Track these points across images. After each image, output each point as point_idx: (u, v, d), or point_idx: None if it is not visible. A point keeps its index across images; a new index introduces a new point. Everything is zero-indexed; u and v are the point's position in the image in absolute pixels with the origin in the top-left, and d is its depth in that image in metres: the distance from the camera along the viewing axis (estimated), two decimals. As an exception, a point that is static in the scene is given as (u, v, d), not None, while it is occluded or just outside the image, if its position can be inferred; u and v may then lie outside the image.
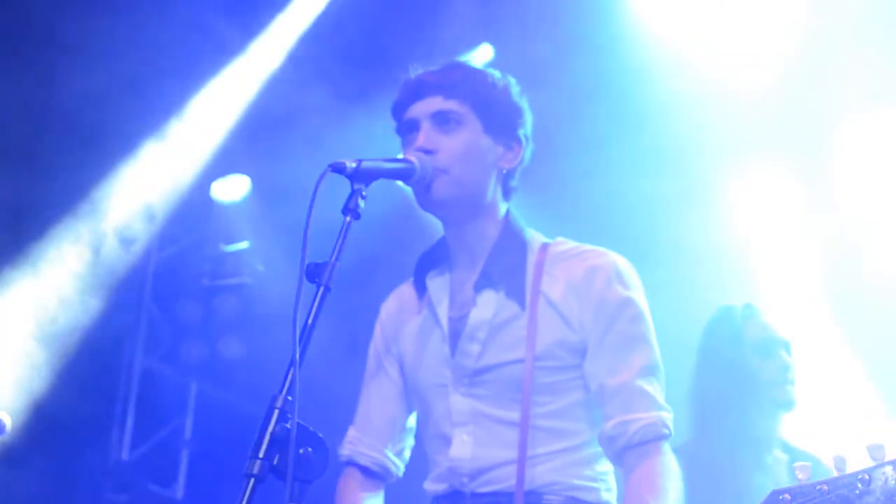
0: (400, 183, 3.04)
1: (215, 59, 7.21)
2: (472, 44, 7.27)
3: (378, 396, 3.51)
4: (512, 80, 3.35)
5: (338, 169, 2.71)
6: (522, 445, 3.01)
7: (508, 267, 3.19)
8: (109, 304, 7.02)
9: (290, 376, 2.46)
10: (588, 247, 3.24)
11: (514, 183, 3.32)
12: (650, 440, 2.88)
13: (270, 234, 7.50)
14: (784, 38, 6.77)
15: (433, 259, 3.41)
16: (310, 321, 2.56)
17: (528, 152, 3.31)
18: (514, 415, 3.05)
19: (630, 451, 2.92)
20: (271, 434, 2.40)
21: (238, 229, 7.75)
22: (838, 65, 6.58)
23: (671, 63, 6.97)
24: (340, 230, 2.71)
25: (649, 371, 2.98)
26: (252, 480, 2.37)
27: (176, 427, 7.92)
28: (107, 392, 7.58)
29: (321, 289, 2.60)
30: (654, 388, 2.96)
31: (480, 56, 7.41)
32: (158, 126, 7.08)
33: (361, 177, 2.75)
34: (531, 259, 3.18)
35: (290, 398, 2.44)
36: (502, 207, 3.30)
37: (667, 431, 2.93)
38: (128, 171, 6.98)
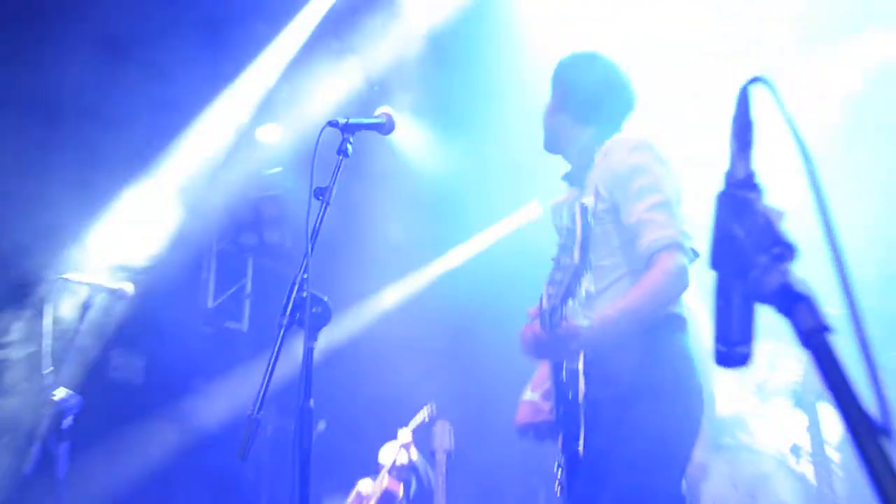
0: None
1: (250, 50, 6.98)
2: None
3: None
4: (570, 56, 3.20)
5: (333, 124, 2.68)
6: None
7: (582, 170, 2.99)
8: (196, 211, 6.93)
9: (305, 261, 2.46)
10: (624, 135, 3.01)
11: (591, 112, 3.03)
12: (652, 253, 2.61)
13: (295, 163, 7.43)
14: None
15: None
16: (318, 225, 2.54)
17: (577, 94, 3.06)
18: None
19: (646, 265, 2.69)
20: (294, 300, 2.40)
21: (275, 159, 7.61)
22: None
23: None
24: (336, 165, 2.67)
25: (654, 207, 2.67)
26: (283, 329, 2.38)
27: (241, 286, 7.88)
28: (196, 267, 7.56)
29: (325, 205, 2.57)
30: (660, 216, 2.66)
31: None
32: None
33: (349, 129, 2.70)
34: (598, 158, 2.90)
35: (305, 276, 2.44)
36: (587, 131, 3.02)
37: (667, 242, 2.64)
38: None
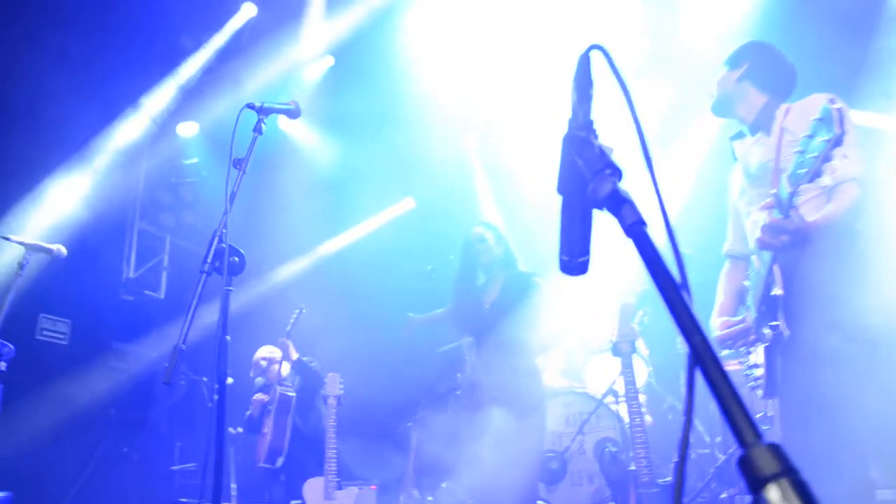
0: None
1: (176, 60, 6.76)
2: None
3: None
4: (760, 43, 3.07)
5: (250, 106, 2.64)
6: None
7: (764, 124, 2.86)
8: (120, 193, 6.64)
9: (225, 218, 2.40)
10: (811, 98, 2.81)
11: (775, 85, 2.93)
12: (840, 182, 2.53)
13: (209, 155, 7.26)
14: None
15: None
16: (235, 189, 2.48)
17: (746, 67, 2.96)
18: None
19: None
20: (214, 250, 2.35)
21: (192, 151, 7.37)
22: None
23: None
24: (251, 141, 2.63)
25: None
26: (204, 275, 2.32)
27: (159, 260, 7.56)
28: (119, 242, 7.19)
29: (241, 172, 2.52)
30: (851, 153, 2.55)
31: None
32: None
33: (263, 111, 2.66)
34: (778, 114, 2.71)
35: (224, 231, 2.39)
36: (764, 98, 2.92)
37: (853, 176, 2.58)
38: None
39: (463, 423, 5.25)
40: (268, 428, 5.85)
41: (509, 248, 4.51)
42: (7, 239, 3.32)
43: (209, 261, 2.30)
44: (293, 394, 5.96)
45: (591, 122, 1.10)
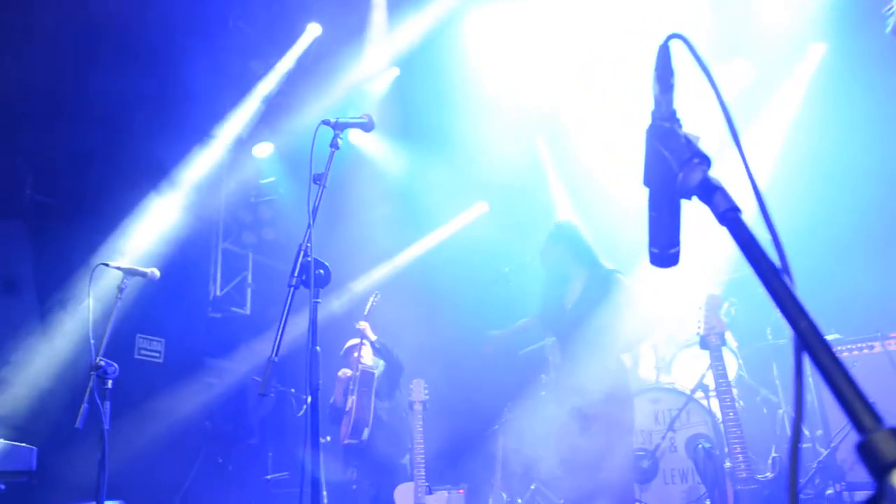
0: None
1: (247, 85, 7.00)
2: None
3: None
4: None
5: (326, 122, 2.68)
6: None
7: None
8: (203, 215, 6.90)
9: (308, 232, 2.46)
10: None
11: None
12: None
13: (285, 173, 7.45)
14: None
15: None
16: (318, 203, 2.53)
17: None
18: None
19: None
20: (301, 264, 2.40)
21: (268, 171, 7.58)
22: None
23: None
24: (329, 156, 2.68)
25: None
26: (292, 289, 2.38)
27: (243, 277, 7.80)
28: (205, 262, 7.47)
29: (321, 187, 2.57)
30: None
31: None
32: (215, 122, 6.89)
33: (339, 126, 2.71)
34: None
35: (309, 245, 2.44)
36: None
37: None
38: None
39: (549, 425, 5.21)
40: (350, 405, 5.87)
41: (582, 246, 4.35)
42: (107, 265, 3.50)
43: (296, 275, 2.36)
44: (375, 371, 6.03)
45: (674, 112, 1.08)
